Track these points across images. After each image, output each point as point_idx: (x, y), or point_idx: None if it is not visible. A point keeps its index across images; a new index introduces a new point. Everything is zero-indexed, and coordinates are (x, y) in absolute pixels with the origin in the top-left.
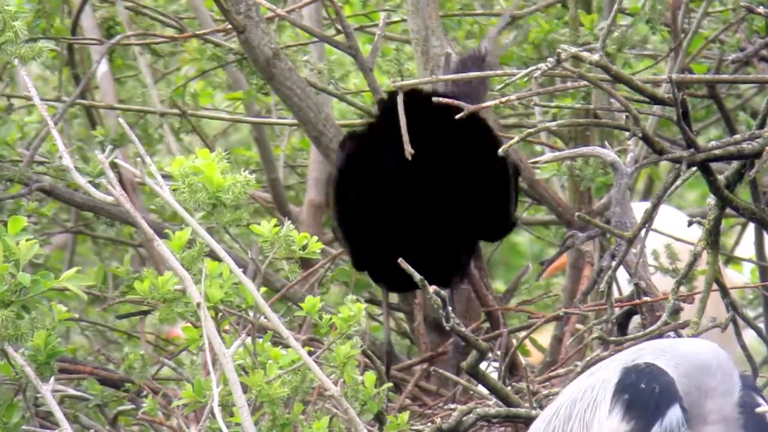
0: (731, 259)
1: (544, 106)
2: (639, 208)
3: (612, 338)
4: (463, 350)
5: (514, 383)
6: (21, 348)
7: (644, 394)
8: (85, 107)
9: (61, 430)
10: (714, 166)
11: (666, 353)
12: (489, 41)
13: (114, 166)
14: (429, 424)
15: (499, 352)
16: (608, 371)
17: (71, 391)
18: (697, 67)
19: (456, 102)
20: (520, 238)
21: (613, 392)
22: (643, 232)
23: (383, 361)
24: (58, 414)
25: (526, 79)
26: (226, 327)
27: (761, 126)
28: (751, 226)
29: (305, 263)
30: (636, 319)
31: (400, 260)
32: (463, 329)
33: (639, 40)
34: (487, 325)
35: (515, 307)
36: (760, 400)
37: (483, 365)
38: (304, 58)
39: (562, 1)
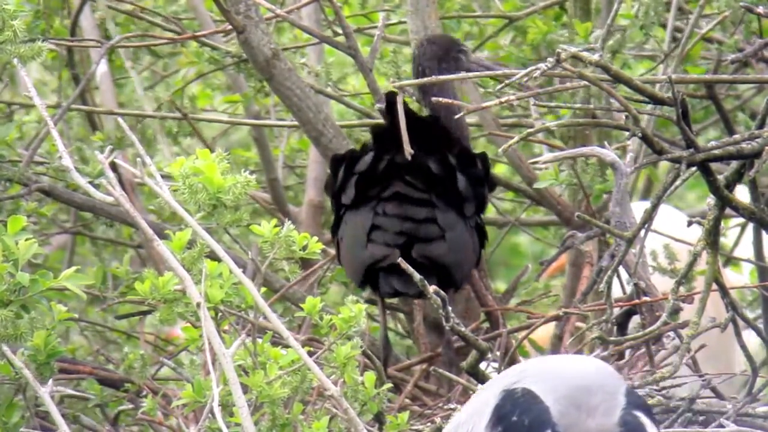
0: (730, 260)
1: (544, 106)
2: (639, 208)
3: (612, 338)
4: (457, 347)
5: None
6: (20, 348)
7: (516, 427)
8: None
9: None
10: (713, 166)
11: (546, 374)
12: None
13: (113, 166)
14: (429, 424)
15: (498, 353)
16: (490, 393)
17: (70, 392)
18: (693, 69)
19: (456, 102)
20: (521, 238)
21: (488, 421)
22: (642, 232)
23: (381, 358)
24: (57, 416)
25: (525, 79)
26: (226, 327)
27: (760, 126)
28: (751, 227)
29: (304, 263)
30: (636, 319)
31: (400, 260)
32: (463, 329)
33: (636, 43)
34: (486, 325)
35: (515, 307)
36: (644, 418)
37: (483, 365)
38: (302, 60)
39: (560, 3)
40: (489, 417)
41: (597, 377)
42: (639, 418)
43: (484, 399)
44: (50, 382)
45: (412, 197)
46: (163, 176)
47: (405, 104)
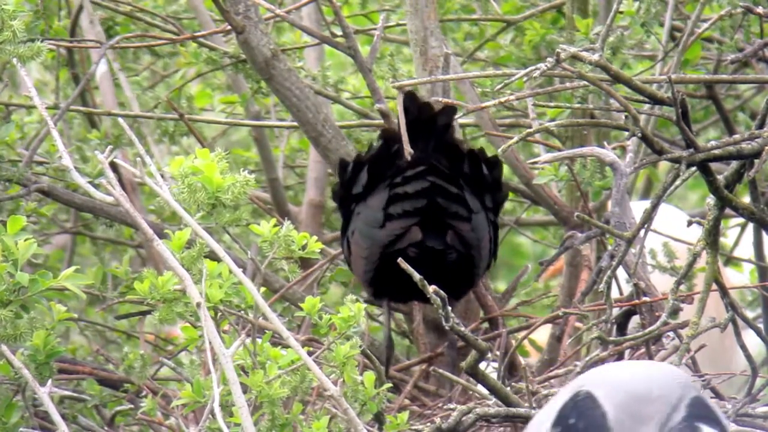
0: (730, 260)
1: (543, 106)
2: (638, 208)
3: (611, 338)
4: (459, 347)
5: (513, 383)
6: (20, 348)
7: (571, 431)
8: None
9: (59, 431)
10: (713, 166)
11: (610, 379)
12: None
13: (113, 166)
14: (428, 424)
15: (498, 353)
16: (565, 392)
17: (68, 392)
18: (692, 72)
19: (456, 102)
20: (522, 238)
21: (552, 422)
22: (642, 232)
23: (383, 358)
24: (56, 416)
25: (525, 79)
26: (225, 327)
27: (760, 126)
28: (751, 227)
29: (304, 263)
30: (635, 319)
31: (400, 260)
32: (463, 329)
33: (636, 42)
34: (486, 325)
35: (514, 311)
36: (706, 430)
37: (482, 365)
38: (299, 63)
39: (558, 7)
40: (554, 417)
41: (660, 385)
42: (700, 429)
43: (559, 397)
44: (49, 382)
45: (440, 171)
46: (163, 176)
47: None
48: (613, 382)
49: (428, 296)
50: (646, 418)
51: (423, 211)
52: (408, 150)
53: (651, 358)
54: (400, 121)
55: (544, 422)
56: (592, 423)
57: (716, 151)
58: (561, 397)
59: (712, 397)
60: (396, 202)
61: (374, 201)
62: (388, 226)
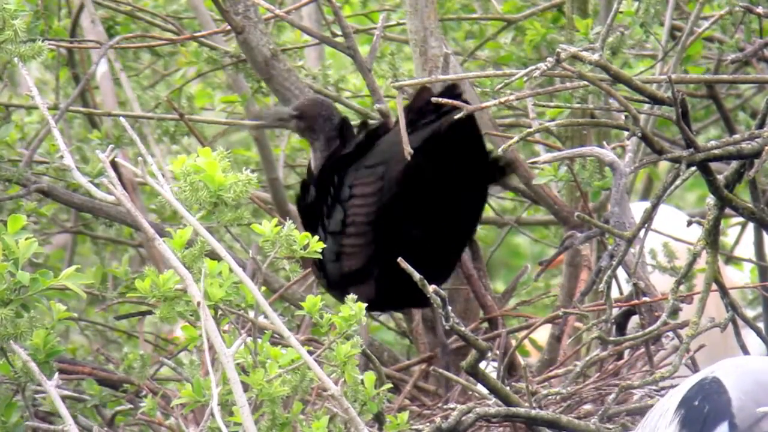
0: (731, 259)
1: (543, 106)
2: (638, 208)
3: (611, 338)
4: (454, 348)
5: (513, 383)
6: (20, 347)
7: (696, 412)
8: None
9: (65, 426)
10: (713, 166)
11: (739, 368)
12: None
13: (114, 165)
14: (428, 424)
15: (498, 352)
16: (691, 378)
17: (67, 392)
18: (694, 69)
19: (456, 102)
20: (522, 239)
21: (677, 405)
22: (642, 232)
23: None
24: (63, 410)
25: (525, 79)
26: (226, 326)
27: (760, 126)
28: (751, 226)
29: (305, 262)
30: (635, 319)
31: (400, 260)
32: (463, 329)
33: (636, 42)
34: (486, 325)
35: (513, 311)
36: None
37: (482, 365)
38: (300, 63)
39: (558, 6)
40: (680, 398)
41: None
42: None
43: (688, 381)
44: (56, 375)
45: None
46: (163, 175)
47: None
48: (743, 370)
49: (428, 296)
50: None
51: None
52: (408, 150)
53: (651, 358)
54: (400, 121)
55: (671, 403)
56: (715, 407)
57: (716, 151)
58: (690, 380)
59: None
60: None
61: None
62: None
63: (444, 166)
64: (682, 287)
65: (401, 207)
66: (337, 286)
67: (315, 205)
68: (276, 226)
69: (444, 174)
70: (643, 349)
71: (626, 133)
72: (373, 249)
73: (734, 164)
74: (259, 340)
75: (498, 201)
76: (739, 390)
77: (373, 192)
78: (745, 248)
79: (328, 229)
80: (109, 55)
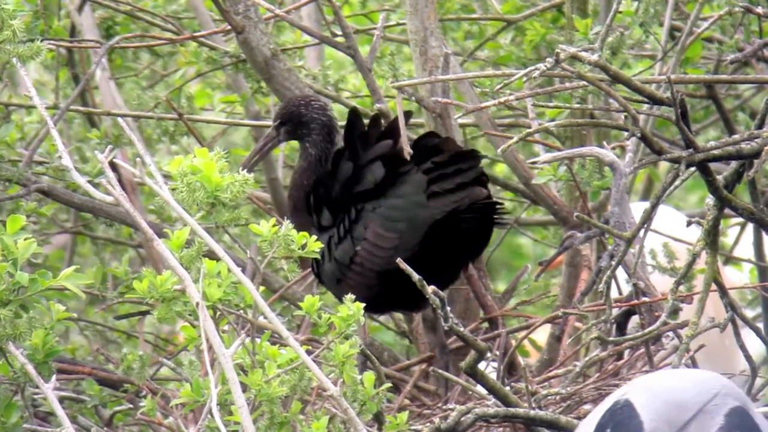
0: (730, 260)
1: (542, 106)
2: (638, 209)
3: (611, 338)
4: (452, 349)
5: (512, 383)
6: (19, 347)
7: None
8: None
9: (63, 428)
10: (713, 166)
11: (649, 388)
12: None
13: (113, 166)
14: (428, 424)
15: (498, 353)
16: (609, 400)
17: (66, 393)
18: (693, 71)
19: (456, 102)
20: (523, 239)
21: (593, 429)
22: (642, 232)
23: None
24: (60, 412)
25: (524, 79)
26: (224, 326)
27: (760, 126)
28: (750, 226)
29: (303, 262)
30: (635, 319)
31: (399, 260)
32: (462, 329)
33: (635, 42)
34: (486, 325)
35: (513, 311)
36: None
37: (482, 365)
38: (299, 63)
39: (558, 6)
40: (593, 427)
41: (698, 394)
42: None
43: (601, 406)
44: (53, 378)
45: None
46: (163, 175)
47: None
48: (653, 390)
49: (427, 297)
50: (681, 428)
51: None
52: (408, 150)
53: (650, 358)
54: (400, 121)
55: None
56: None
57: (716, 151)
58: (603, 406)
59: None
60: (436, 183)
61: (406, 186)
62: (432, 203)
63: (461, 236)
64: (681, 287)
65: (411, 264)
66: (336, 294)
67: (326, 225)
68: (274, 226)
69: (460, 239)
70: (643, 349)
71: (626, 134)
72: (376, 286)
73: (734, 164)
74: (258, 340)
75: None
76: (651, 411)
77: (388, 247)
78: (745, 248)
79: (334, 253)
80: (103, 60)
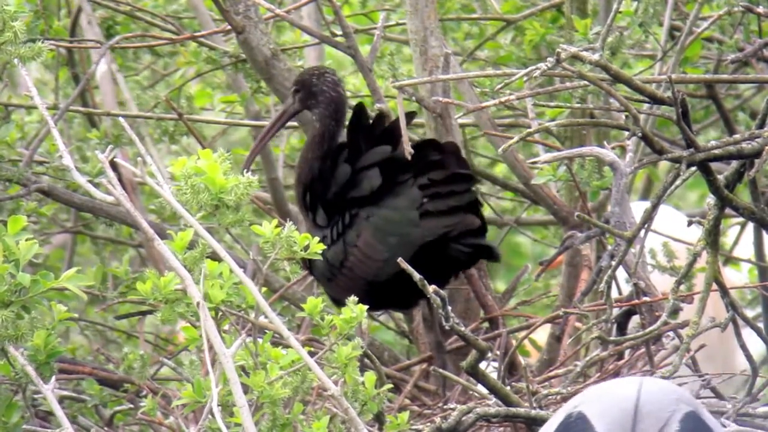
0: (730, 260)
1: (543, 106)
2: (638, 208)
3: (611, 338)
4: (450, 349)
5: (513, 383)
6: (20, 348)
7: None
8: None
9: (62, 429)
10: (713, 165)
11: (601, 398)
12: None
13: (114, 165)
14: (428, 424)
15: (498, 352)
16: (560, 413)
17: (66, 393)
18: (693, 71)
19: (456, 102)
20: (522, 239)
21: None
22: (642, 232)
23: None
24: (59, 413)
25: (525, 79)
26: (226, 327)
27: (760, 126)
28: (750, 226)
29: (305, 263)
30: (635, 319)
31: (400, 260)
32: (463, 329)
33: (635, 42)
34: (486, 325)
35: (514, 311)
36: None
37: (482, 365)
38: (299, 63)
39: (557, 6)
40: None
41: (651, 401)
42: None
43: (554, 419)
44: (53, 379)
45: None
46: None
47: None
48: (606, 400)
49: (428, 296)
50: None
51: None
52: (408, 150)
53: (651, 358)
54: (400, 121)
55: None
56: None
57: (716, 151)
58: (555, 419)
59: (710, 397)
60: (432, 201)
61: (400, 200)
62: (425, 223)
63: (450, 258)
64: (682, 287)
65: (401, 277)
66: (327, 290)
67: (321, 224)
68: (276, 227)
69: (449, 261)
70: (643, 349)
71: (626, 133)
72: (365, 291)
73: (734, 164)
74: (260, 341)
75: (497, 201)
76: (605, 422)
77: (378, 259)
78: (745, 249)
79: (326, 254)
80: (107, 57)
